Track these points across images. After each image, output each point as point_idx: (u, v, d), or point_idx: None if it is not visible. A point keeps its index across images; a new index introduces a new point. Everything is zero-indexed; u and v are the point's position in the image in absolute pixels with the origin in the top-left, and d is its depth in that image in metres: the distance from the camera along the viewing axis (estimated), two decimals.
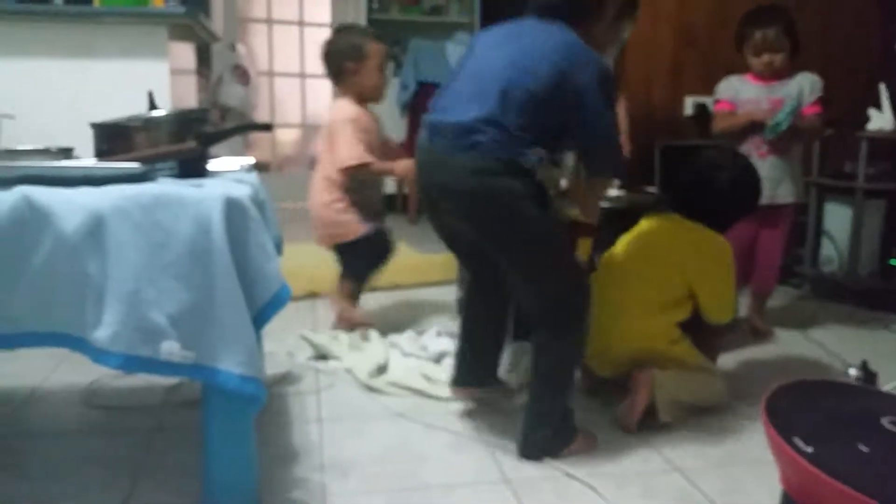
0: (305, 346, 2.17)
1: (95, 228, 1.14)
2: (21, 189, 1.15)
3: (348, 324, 2.30)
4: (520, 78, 1.43)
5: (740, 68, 2.51)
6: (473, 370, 1.75)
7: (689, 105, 3.17)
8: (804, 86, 2.37)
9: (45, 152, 1.45)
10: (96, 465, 1.50)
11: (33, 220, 1.14)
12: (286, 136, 5.81)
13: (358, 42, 2.23)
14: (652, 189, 2.55)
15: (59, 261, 1.15)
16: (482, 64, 1.51)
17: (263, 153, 5.63)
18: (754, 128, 2.33)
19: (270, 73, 5.58)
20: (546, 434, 1.52)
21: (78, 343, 1.18)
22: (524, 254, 1.48)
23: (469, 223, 1.51)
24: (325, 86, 5.72)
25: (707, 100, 3.06)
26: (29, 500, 1.36)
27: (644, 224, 1.90)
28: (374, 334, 2.24)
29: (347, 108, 2.23)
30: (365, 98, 2.27)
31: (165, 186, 1.19)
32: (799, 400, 1.30)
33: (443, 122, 1.49)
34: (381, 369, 2.00)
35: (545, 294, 1.50)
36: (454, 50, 4.79)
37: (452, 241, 1.68)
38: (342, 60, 2.22)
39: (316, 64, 6.06)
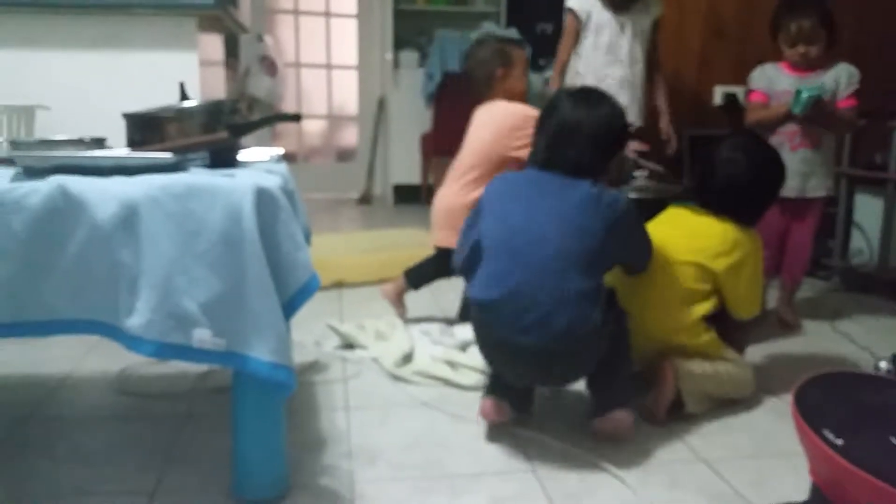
0: (332, 335, 2.19)
1: (129, 217, 1.16)
2: (56, 178, 1.18)
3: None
4: (580, 240, 1.48)
5: (769, 58, 2.47)
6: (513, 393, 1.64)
7: (718, 94, 3.14)
8: (841, 77, 2.34)
9: (78, 142, 1.48)
10: (128, 451, 1.53)
11: (68, 209, 1.16)
12: (312, 127, 5.84)
13: (506, 49, 2.34)
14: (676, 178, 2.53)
15: (93, 249, 1.17)
16: (530, 233, 1.50)
17: (290, 143, 5.68)
18: (787, 120, 2.30)
19: (297, 65, 5.61)
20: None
21: (111, 330, 1.21)
22: None
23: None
24: (350, 77, 5.77)
25: (737, 89, 3.03)
26: (62, 485, 1.38)
27: (668, 215, 1.88)
28: (399, 324, 2.26)
29: (522, 106, 2.30)
30: (510, 101, 2.33)
31: (197, 176, 1.20)
32: (829, 392, 1.28)
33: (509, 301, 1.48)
34: (407, 358, 2.01)
35: None
36: None
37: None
38: (492, 68, 2.34)
39: (342, 55, 6.09)
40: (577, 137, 1.56)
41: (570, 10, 2.73)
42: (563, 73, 2.77)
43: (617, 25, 2.66)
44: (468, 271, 1.62)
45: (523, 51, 2.36)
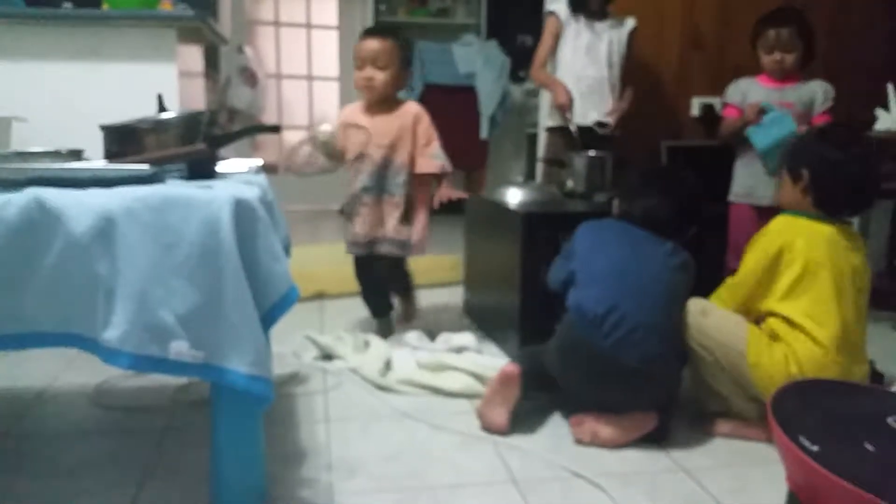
0: (311, 346, 2.18)
1: (105, 229, 1.15)
2: (32, 191, 1.16)
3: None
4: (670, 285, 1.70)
5: (747, 70, 2.51)
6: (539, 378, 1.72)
7: (695, 106, 3.18)
8: (817, 93, 2.39)
9: (55, 154, 1.46)
10: (106, 465, 1.51)
11: (44, 221, 1.15)
12: (293, 138, 5.82)
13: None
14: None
15: (70, 261, 1.15)
16: (632, 267, 1.69)
17: (270, 155, 5.66)
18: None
19: (278, 76, 5.60)
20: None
21: (88, 343, 1.19)
22: None
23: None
24: (331, 88, 5.77)
25: (714, 101, 3.07)
26: (39, 500, 1.37)
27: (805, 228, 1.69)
28: (373, 337, 2.25)
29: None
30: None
31: (175, 188, 1.20)
32: (805, 399, 1.30)
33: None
34: (387, 366, 2.02)
35: None
36: (460, 52, 4.81)
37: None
38: None
39: (323, 66, 6.08)
40: (669, 213, 1.77)
41: (552, 13, 2.79)
42: (543, 69, 2.81)
43: (593, 30, 2.73)
44: (562, 291, 1.77)
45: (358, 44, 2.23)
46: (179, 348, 1.16)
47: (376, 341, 2.20)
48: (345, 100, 5.80)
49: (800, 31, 2.35)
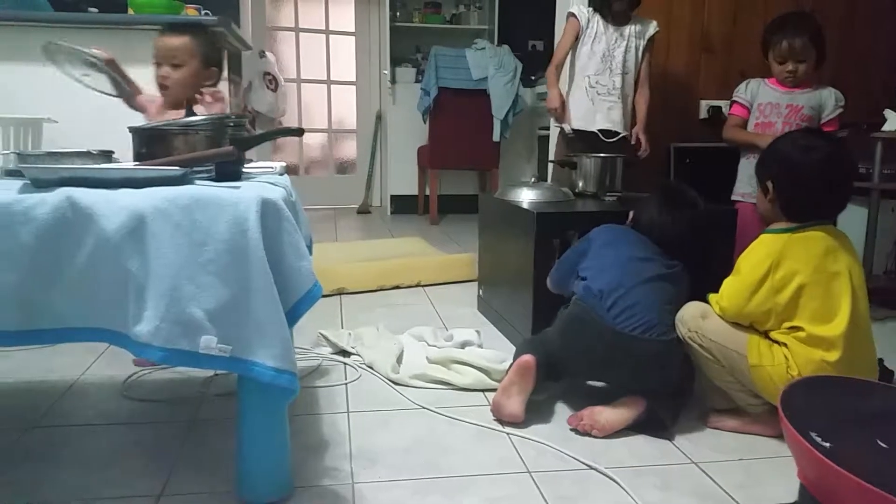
0: (326, 342, 2.24)
1: (137, 228, 1.20)
2: (64, 190, 1.20)
3: None
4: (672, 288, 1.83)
5: (755, 73, 2.54)
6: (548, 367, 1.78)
7: (703, 108, 3.21)
8: (827, 100, 2.41)
9: (86, 155, 1.51)
10: (135, 455, 1.56)
11: (76, 220, 1.19)
12: (313, 141, 5.92)
13: None
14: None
15: (102, 259, 1.20)
16: (639, 262, 1.82)
17: (291, 156, 5.74)
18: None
19: (298, 80, 5.69)
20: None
21: (120, 338, 1.24)
22: None
23: None
24: (349, 92, 5.84)
25: (722, 104, 3.10)
26: (70, 489, 1.41)
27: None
28: (386, 331, 2.31)
29: None
30: None
31: (204, 188, 1.25)
32: (815, 396, 1.32)
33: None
34: (399, 361, 2.08)
35: None
36: (473, 56, 4.87)
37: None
38: None
39: (341, 71, 6.19)
40: (679, 233, 1.88)
41: (572, 14, 2.83)
42: (559, 70, 2.85)
43: (614, 36, 2.76)
44: (563, 286, 1.93)
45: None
46: (208, 343, 1.21)
47: (389, 337, 2.26)
48: (362, 103, 5.88)
49: (812, 39, 2.35)
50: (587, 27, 2.80)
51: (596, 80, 2.80)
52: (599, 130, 2.82)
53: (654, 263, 1.81)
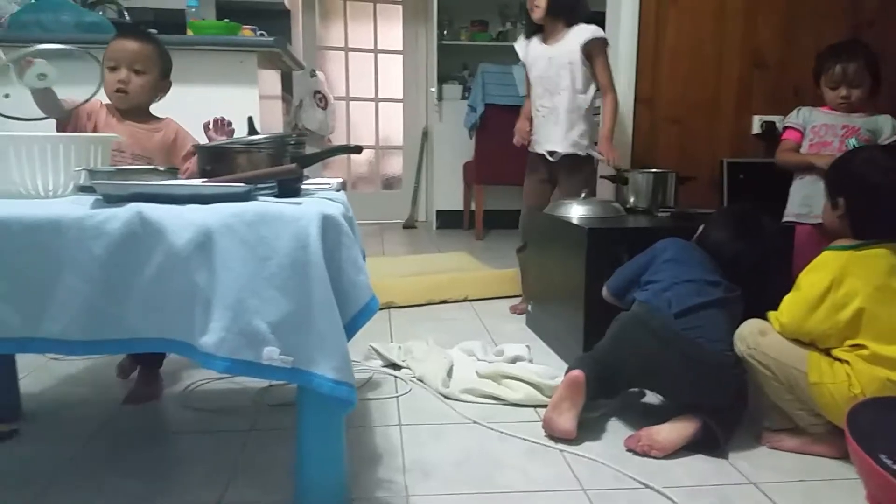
0: (377, 355, 2.27)
1: (204, 243, 1.23)
2: (134, 206, 1.25)
3: None
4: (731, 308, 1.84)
5: (809, 89, 2.51)
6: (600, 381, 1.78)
7: (756, 123, 3.17)
8: (884, 126, 2.36)
9: (153, 171, 1.57)
10: (193, 464, 1.60)
11: (146, 234, 1.23)
12: (360, 157, 6.00)
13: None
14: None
15: (170, 272, 1.23)
16: (703, 282, 1.83)
17: (339, 173, 5.84)
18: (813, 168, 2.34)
19: (347, 98, 5.79)
20: None
21: (187, 348, 1.27)
22: None
23: None
24: (396, 109, 5.93)
25: (776, 118, 3.06)
26: (131, 496, 1.45)
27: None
28: (433, 344, 2.33)
29: None
30: None
31: (268, 205, 1.28)
32: (883, 416, 1.29)
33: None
34: (449, 375, 2.09)
35: None
36: (520, 73, 4.88)
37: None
38: None
39: (389, 88, 6.27)
40: (750, 262, 1.88)
41: (515, 49, 2.88)
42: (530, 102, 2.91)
43: (546, 57, 2.72)
44: (621, 295, 1.95)
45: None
46: (271, 354, 1.23)
47: (438, 351, 2.27)
48: (408, 120, 5.96)
49: (867, 65, 2.31)
50: (527, 56, 2.81)
51: (540, 103, 2.79)
52: (547, 151, 2.79)
53: (720, 287, 1.80)
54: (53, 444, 1.69)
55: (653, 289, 1.81)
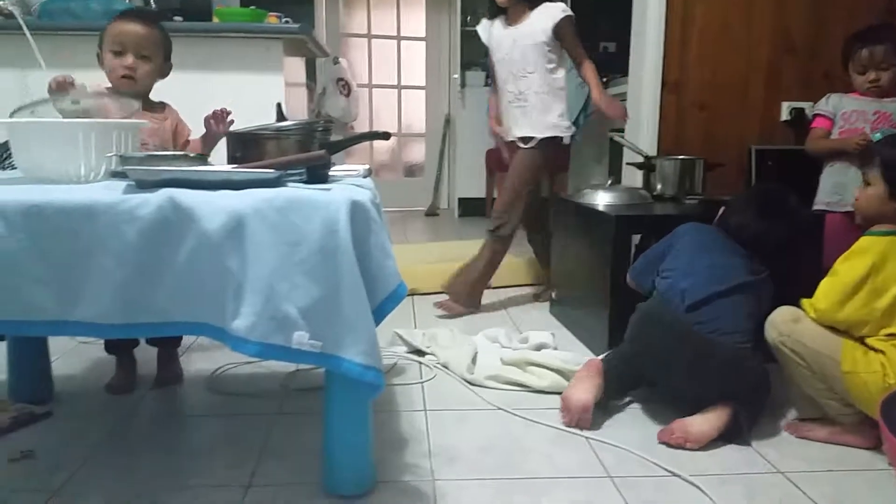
0: (401, 341, 2.29)
1: (236, 228, 1.24)
2: (166, 191, 1.26)
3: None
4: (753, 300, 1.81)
5: (839, 74, 2.46)
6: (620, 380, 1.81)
7: (785, 110, 3.12)
8: None
9: (184, 157, 1.59)
10: (223, 446, 1.63)
11: (178, 219, 1.24)
12: (382, 144, 6.01)
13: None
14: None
15: (202, 257, 1.25)
16: (723, 270, 1.80)
17: (361, 160, 5.86)
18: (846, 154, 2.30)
19: (370, 85, 5.79)
20: None
21: (217, 332, 1.29)
22: None
23: None
24: (419, 96, 5.92)
25: (805, 105, 3.01)
26: (162, 477, 1.48)
27: None
28: (457, 331, 2.34)
29: None
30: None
31: (297, 190, 1.29)
32: None
33: None
34: (474, 362, 2.10)
35: None
36: None
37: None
38: None
39: (411, 76, 6.26)
40: (776, 241, 1.84)
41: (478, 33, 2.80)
42: (495, 95, 2.83)
43: (510, 40, 2.63)
44: (642, 281, 1.93)
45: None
46: (301, 338, 1.25)
47: (462, 338, 2.28)
48: (431, 107, 5.94)
49: (895, 47, 2.28)
50: (490, 39, 2.71)
51: (506, 88, 2.68)
52: (518, 138, 2.69)
53: (740, 271, 1.77)
54: (85, 425, 1.72)
55: (670, 277, 1.80)
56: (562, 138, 2.68)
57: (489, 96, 2.89)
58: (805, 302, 1.65)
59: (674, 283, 1.76)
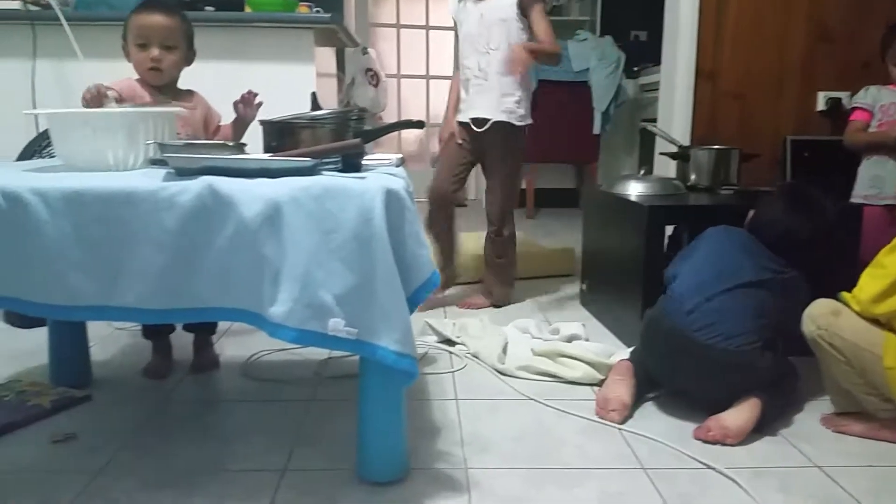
0: (432, 331, 2.30)
1: (273, 216, 1.25)
2: (205, 179, 1.28)
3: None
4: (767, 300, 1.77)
5: (878, 63, 2.41)
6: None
7: (822, 100, 3.06)
8: None
9: (222, 146, 1.60)
10: (258, 432, 1.64)
11: (216, 207, 1.26)
12: (410, 135, 6.02)
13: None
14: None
15: (240, 244, 1.26)
16: (734, 271, 1.78)
17: (388, 150, 5.86)
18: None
19: (398, 75, 5.79)
20: None
21: (255, 318, 1.30)
22: None
23: None
24: (447, 86, 5.89)
25: (842, 95, 2.94)
26: (199, 462, 1.50)
27: None
28: (488, 321, 2.34)
29: None
30: None
31: (333, 179, 1.30)
32: None
33: None
34: (504, 352, 2.10)
35: None
36: (575, 48, 4.81)
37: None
38: None
39: (440, 65, 6.24)
40: (806, 240, 1.81)
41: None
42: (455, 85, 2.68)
43: (476, 14, 2.48)
44: (667, 283, 1.86)
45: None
46: (336, 325, 1.26)
47: (493, 328, 2.28)
48: None
49: None
50: (458, 13, 2.54)
51: (466, 64, 2.51)
52: (471, 119, 2.52)
53: (748, 270, 1.74)
54: (123, 410, 1.75)
55: (678, 279, 1.79)
56: (518, 127, 2.52)
57: (451, 80, 2.70)
58: (845, 295, 1.62)
59: (677, 287, 1.76)
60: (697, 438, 1.61)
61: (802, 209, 1.83)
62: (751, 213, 1.93)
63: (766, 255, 1.79)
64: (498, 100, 2.46)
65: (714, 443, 1.59)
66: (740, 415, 1.61)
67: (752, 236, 1.84)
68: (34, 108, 2.68)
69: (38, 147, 2.37)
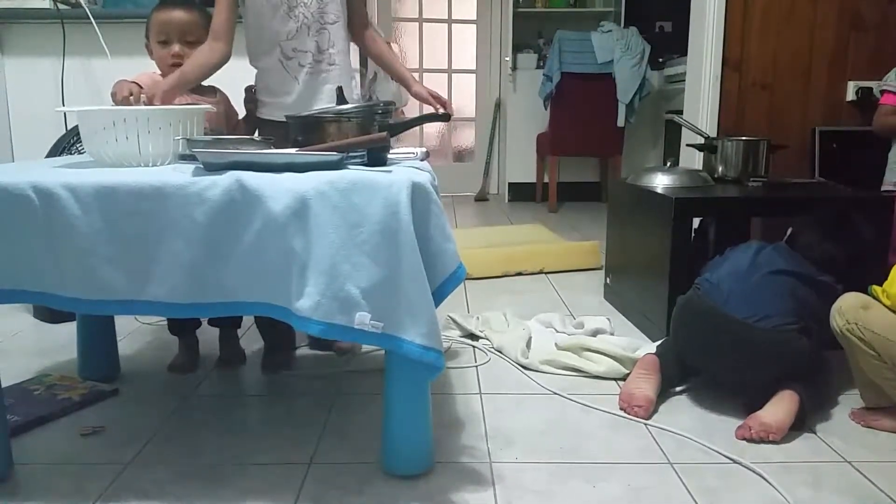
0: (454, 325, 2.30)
1: (300, 210, 1.26)
2: (233, 174, 1.29)
3: None
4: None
5: None
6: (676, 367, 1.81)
7: (851, 90, 3.00)
8: None
9: (249, 141, 1.61)
10: (283, 425, 1.66)
11: (245, 201, 1.27)
12: (432, 129, 6.01)
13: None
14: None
15: (268, 238, 1.28)
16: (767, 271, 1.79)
17: (410, 144, 5.87)
18: None
19: (420, 69, 5.79)
20: None
21: (283, 312, 1.31)
22: None
23: None
24: (469, 80, 5.89)
25: (872, 84, 2.89)
26: (224, 456, 1.51)
27: None
28: (511, 315, 2.33)
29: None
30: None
31: (360, 172, 1.30)
32: None
33: None
34: (528, 346, 2.09)
35: None
36: (599, 39, 4.77)
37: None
38: None
39: (462, 59, 6.23)
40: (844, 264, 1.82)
41: None
42: None
43: None
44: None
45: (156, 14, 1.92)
46: (363, 319, 1.26)
47: (516, 322, 2.27)
48: (481, 91, 5.91)
49: None
50: None
51: (288, 46, 1.90)
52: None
53: (779, 261, 1.77)
54: (151, 403, 1.78)
55: (712, 271, 1.80)
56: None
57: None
58: (876, 288, 1.60)
59: (711, 276, 1.77)
60: (740, 437, 1.58)
61: (840, 237, 1.84)
62: (788, 230, 1.92)
63: (802, 260, 1.81)
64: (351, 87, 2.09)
65: (760, 441, 1.56)
66: (778, 410, 1.59)
67: (791, 251, 1.85)
68: (63, 104, 2.72)
69: (66, 143, 2.41)
